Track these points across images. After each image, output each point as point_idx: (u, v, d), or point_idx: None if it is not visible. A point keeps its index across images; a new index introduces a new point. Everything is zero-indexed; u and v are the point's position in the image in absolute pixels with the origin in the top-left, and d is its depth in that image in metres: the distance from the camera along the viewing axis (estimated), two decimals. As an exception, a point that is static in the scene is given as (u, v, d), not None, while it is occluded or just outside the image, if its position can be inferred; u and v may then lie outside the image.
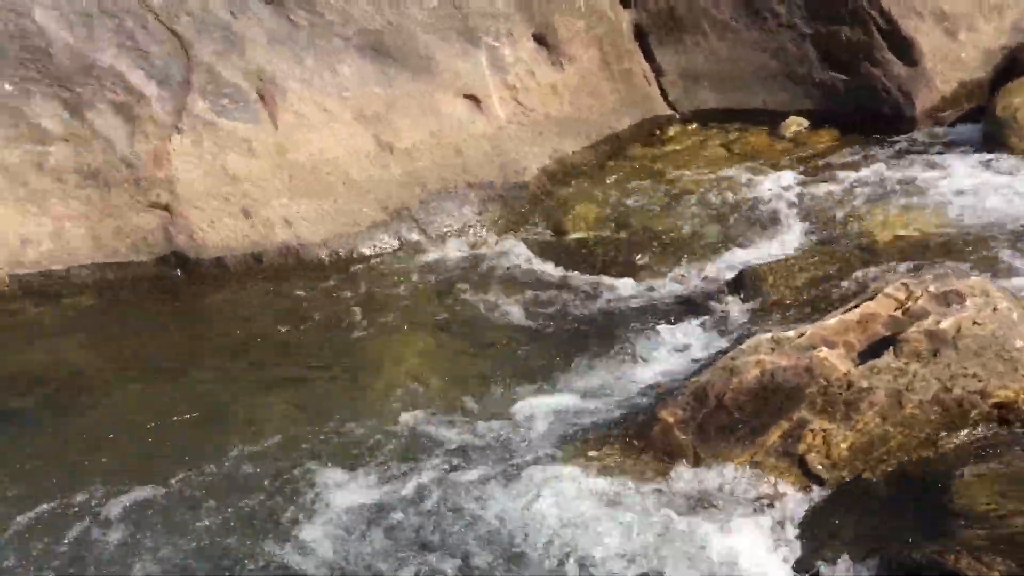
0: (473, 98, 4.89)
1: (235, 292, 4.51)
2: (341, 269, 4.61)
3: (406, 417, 3.46)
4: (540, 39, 5.06)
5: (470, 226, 4.81)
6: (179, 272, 4.56)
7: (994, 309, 2.74)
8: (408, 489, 3.05)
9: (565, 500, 2.93)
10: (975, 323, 2.72)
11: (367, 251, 4.68)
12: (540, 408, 3.49)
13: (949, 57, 4.91)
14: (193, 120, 4.50)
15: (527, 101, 5.00)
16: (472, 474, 3.14)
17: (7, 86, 4.39)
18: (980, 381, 2.69)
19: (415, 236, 4.73)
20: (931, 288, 2.88)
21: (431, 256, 4.67)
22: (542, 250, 4.63)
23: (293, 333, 4.17)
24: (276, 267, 4.62)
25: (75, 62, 4.40)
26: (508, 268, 4.51)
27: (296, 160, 4.58)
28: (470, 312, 4.24)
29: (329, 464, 3.21)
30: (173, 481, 3.18)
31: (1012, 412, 2.68)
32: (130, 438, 3.46)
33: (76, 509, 3.09)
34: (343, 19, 4.71)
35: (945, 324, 2.75)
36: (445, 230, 4.77)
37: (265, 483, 3.16)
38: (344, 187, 4.62)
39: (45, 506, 3.10)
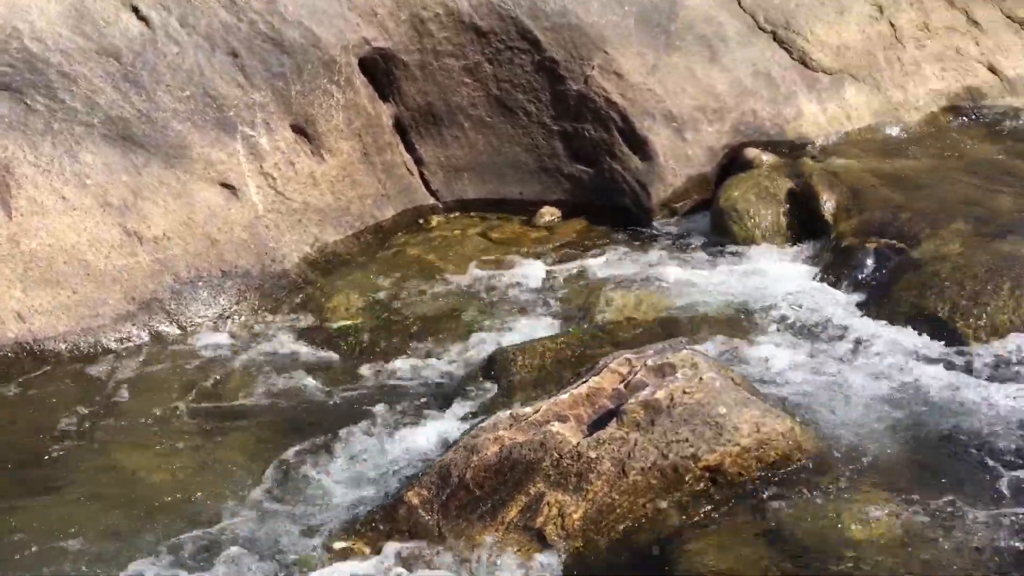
0: (229, 187, 4.84)
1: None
2: (84, 365, 4.36)
3: (144, 521, 3.31)
4: (299, 130, 5.11)
5: (227, 316, 4.69)
6: None
7: (700, 379, 3.00)
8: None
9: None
10: (685, 392, 2.97)
11: (113, 344, 4.45)
12: (290, 500, 3.43)
13: (679, 154, 5.41)
14: (-90, 208, 4.17)
15: (286, 190, 5.01)
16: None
17: None
18: (691, 446, 2.91)
19: (166, 328, 4.56)
20: (649, 362, 3.12)
21: (184, 348, 4.51)
22: (301, 339, 4.59)
23: (21, 437, 3.88)
24: (7, 364, 4.29)
25: None
26: (265, 358, 4.43)
27: (31, 250, 4.32)
28: (221, 405, 4.11)
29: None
30: None
31: (720, 474, 2.92)
32: None
33: None
34: (87, 106, 4.56)
35: (659, 394, 2.97)
36: (199, 321, 4.63)
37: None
38: (86, 278, 4.40)
39: None
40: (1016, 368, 3.58)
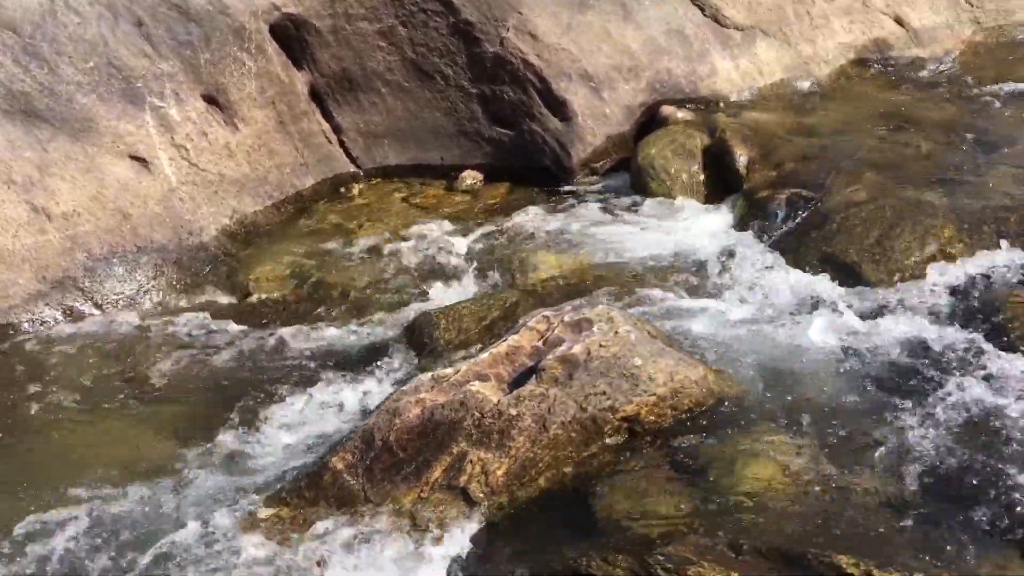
0: (140, 159, 4.73)
1: None
2: (-3, 347, 4.25)
3: (65, 500, 3.27)
4: (210, 99, 5.01)
5: (145, 292, 4.61)
6: None
7: (616, 332, 3.05)
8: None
9: (233, 565, 2.88)
10: (601, 346, 3.02)
11: (26, 326, 4.34)
12: (215, 472, 3.41)
13: (597, 113, 5.44)
14: None
15: (200, 162, 4.91)
16: (146, 550, 3.02)
17: None
18: (608, 398, 2.97)
19: (82, 306, 4.46)
20: (566, 318, 3.16)
21: (101, 326, 4.42)
22: (222, 312, 4.53)
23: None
24: (-85, 350, 4.17)
25: None
26: (185, 332, 4.37)
27: (-68, 231, 4.18)
28: (142, 381, 4.06)
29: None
30: None
31: (638, 424, 2.99)
32: None
33: None
34: (-15, 80, 4.40)
35: (576, 349, 3.02)
36: (115, 298, 4.53)
37: None
38: (-7, 258, 4.28)
39: None
40: (920, 309, 3.72)
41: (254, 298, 4.66)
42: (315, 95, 5.58)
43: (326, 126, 5.64)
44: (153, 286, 4.63)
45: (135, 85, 4.75)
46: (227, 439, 3.62)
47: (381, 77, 5.55)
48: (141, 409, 3.92)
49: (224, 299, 4.66)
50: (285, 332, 4.33)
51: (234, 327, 4.41)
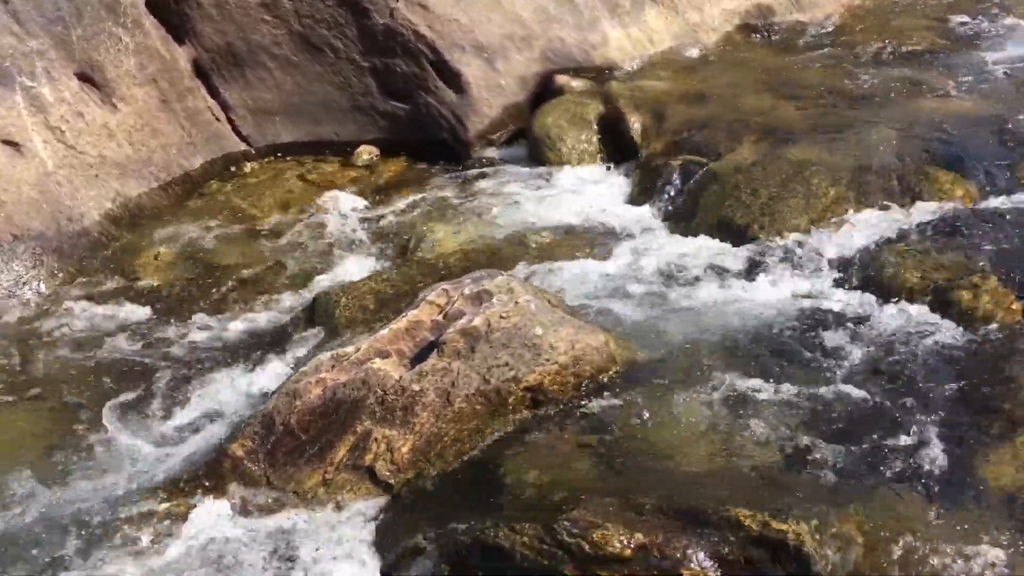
0: (12, 143, 4.47)
1: None
2: None
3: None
4: (85, 78, 4.77)
5: (24, 283, 4.39)
6: None
7: (516, 303, 3.05)
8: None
9: (130, 560, 2.79)
10: (502, 317, 3.01)
11: None
12: (109, 465, 3.29)
13: (491, 84, 5.41)
14: None
15: (78, 144, 4.68)
16: (36, 551, 2.89)
17: None
18: (511, 369, 2.97)
19: (-45, 300, 4.22)
20: (465, 291, 3.14)
21: (-23, 320, 4.20)
22: (109, 300, 4.35)
23: None
24: None
25: None
26: (69, 323, 4.18)
27: None
28: (28, 378, 3.87)
29: None
30: None
31: (541, 393, 2.99)
32: None
33: None
34: None
35: (477, 321, 3.00)
36: (-8, 290, 4.31)
37: None
38: None
39: None
40: (809, 267, 3.83)
41: (142, 284, 4.49)
42: (200, 71, 5.38)
43: (213, 103, 5.44)
44: (32, 276, 4.41)
45: (3, 65, 4.49)
46: (119, 432, 3.50)
47: (267, 51, 5.38)
48: (25, 406, 3.74)
49: (110, 286, 4.48)
50: (177, 318, 4.20)
51: (122, 315, 4.25)
